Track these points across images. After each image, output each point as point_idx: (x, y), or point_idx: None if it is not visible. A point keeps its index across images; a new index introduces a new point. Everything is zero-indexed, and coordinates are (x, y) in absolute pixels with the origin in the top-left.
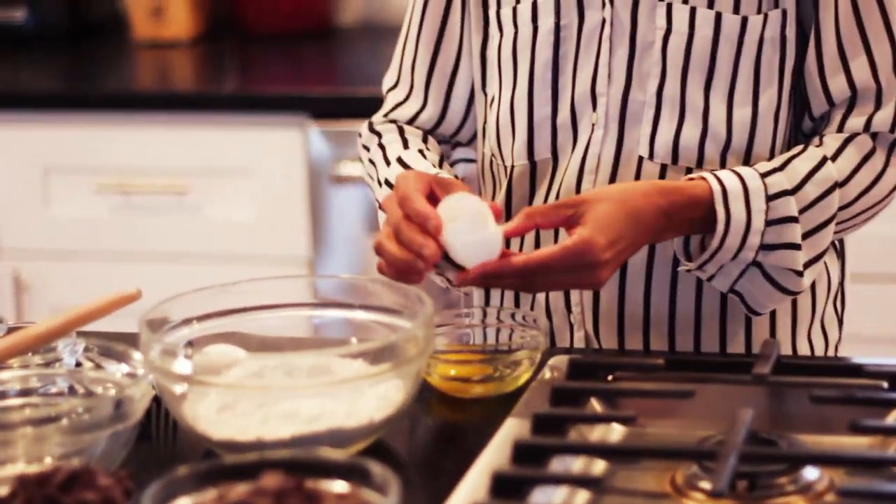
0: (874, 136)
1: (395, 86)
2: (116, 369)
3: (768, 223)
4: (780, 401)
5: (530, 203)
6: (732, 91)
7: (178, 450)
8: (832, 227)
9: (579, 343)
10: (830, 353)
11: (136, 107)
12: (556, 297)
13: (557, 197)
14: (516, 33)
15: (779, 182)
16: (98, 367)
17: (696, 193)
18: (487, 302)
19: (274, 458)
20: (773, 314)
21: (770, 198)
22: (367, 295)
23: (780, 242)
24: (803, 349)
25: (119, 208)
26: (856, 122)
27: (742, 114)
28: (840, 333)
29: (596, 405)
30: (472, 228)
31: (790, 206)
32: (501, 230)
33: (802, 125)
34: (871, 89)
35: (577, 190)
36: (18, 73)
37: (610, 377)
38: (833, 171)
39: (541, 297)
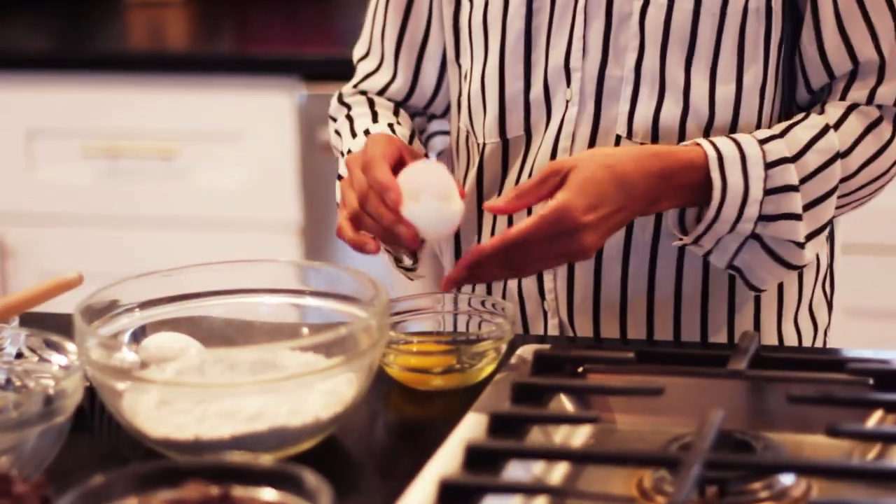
0: (878, 107)
1: (366, 55)
2: (59, 360)
3: (767, 192)
4: (759, 397)
5: (502, 183)
6: (715, 66)
7: (119, 446)
8: (834, 199)
9: (553, 331)
10: (819, 338)
11: (125, 68)
12: (529, 282)
13: (530, 177)
14: (487, 4)
15: (778, 149)
16: (41, 358)
17: (691, 157)
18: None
19: (197, 463)
20: (757, 298)
21: (769, 165)
22: (320, 281)
23: (780, 213)
24: (790, 335)
25: (106, 172)
26: (858, 94)
27: (725, 91)
28: (830, 317)
29: (564, 400)
30: (432, 206)
31: (790, 174)
32: (463, 206)
33: (798, 98)
34: (874, 62)
35: None
36: (7, 32)
37: (580, 369)
38: (835, 141)
39: (513, 283)
